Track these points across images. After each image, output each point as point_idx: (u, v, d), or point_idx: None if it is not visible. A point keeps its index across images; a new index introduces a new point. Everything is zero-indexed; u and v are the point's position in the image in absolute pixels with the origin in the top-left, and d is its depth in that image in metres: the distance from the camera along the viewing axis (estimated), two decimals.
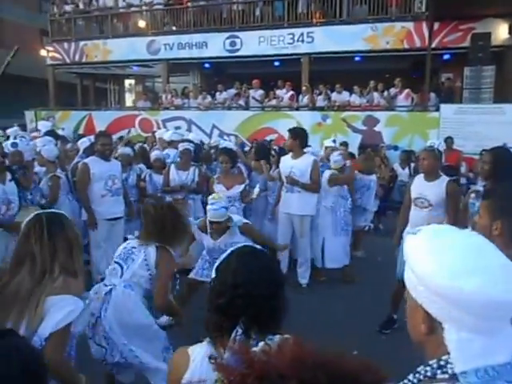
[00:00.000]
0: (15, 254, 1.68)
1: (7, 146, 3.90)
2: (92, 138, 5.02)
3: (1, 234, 3.16)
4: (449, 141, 8.06)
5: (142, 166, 5.48)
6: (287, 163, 4.37)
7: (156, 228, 2.31)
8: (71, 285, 1.63)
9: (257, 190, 4.50)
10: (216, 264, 1.24)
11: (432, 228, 0.82)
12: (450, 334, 0.74)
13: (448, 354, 0.74)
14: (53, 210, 1.91)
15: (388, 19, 10.26)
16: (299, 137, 4.32)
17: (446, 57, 10.45)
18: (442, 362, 0.75)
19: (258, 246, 1.33)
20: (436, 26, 9.75)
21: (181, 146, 4.97)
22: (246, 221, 3.55)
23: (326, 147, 5.42)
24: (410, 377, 0.79)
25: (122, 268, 2.31)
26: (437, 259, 0.74)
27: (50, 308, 1.53)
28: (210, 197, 3.38)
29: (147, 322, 2.29)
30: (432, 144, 6.03)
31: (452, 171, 4.45)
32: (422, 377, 0.77)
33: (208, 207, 3.21)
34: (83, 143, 5.22)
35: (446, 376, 0.74)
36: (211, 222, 3.20)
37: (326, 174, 4.66)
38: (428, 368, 0.77)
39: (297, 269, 4.53)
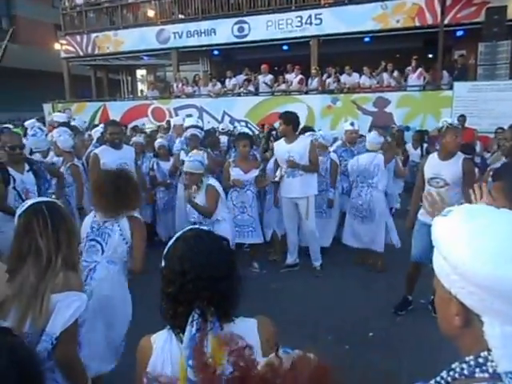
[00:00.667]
0: (16, 248, 1.58)
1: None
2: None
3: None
4: (461, 119, 7.92)
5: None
6: (283, 148, 4.36)
7: (115, 197, 2.29)
8: (71, 280, 1.60)
9: (278, 172, 4.51)
10: (164, 252, 1.23)
11: (465, 208, 0.73)
12: (491, 329, 0.65)
13: (487, 349, 0.66)
14: (49, 199, 1.78)
15: None
16: (292, 122, 4.32)
17: (459, 33, 10.13)
18: (480, 360, 0.67)
19: (205, 228, 1.30)
20: (448, 1, 9.45)
21: (188, 132, 5.05)
22: (213, 184, 3.75)
23: (346, 131, 5.21)
24: (444, 374, 0.71)
25: (101, 245, 2.33)
26: (475, 244, 0.65)
27: (55, 305, 1.50)
28: (190, 153, 3.86)
29: (122, 307, 2.31)
30: (444, 122, 5.91)
31: (468, 149, 4.32)
32: (457, 375, 0.69)
33: (185, 159, 3.75)
34: (96, 132, 5.37)
35: (486, 375, 0.65)
36: (186, 173, 3.66)
37: (380, 156, 4.45)
38: (464, 365, 0.68)
39: (309, 252, 4.53)
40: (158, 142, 5.62)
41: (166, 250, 1.22)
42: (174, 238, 1.23)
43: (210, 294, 1.11)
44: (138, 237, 2.34)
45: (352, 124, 5.26)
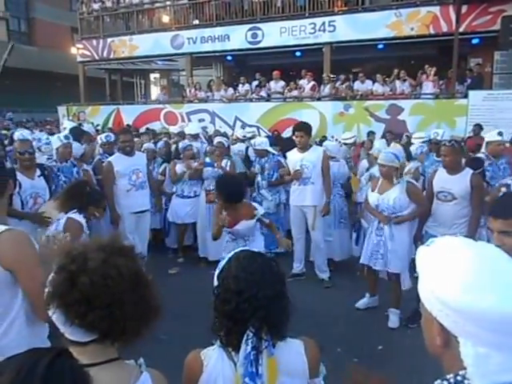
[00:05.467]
0: None
1: (60, 138, 4.19)
2: (103, 137, 5.24)
3: (28, 227, 3.23)
4: (476, 128, 7.83)
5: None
6: (296, 157, 4.41)
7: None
8: None
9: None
10: (216, 272, 1.26)
11: (445, 240, 0.81)
12: (465, 349, 0.71)
13: (465, 368, 0.71)
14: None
15: (413, 4, 9.96)
16: (310, 132, 4.46)
17: (474, 41, 10.02)
18: (459, 378, 0.72)
19: (255, 249, 1.34)
20: (464, 9, 9.37)
21: (215, 140, 5.19)
22: (413, 182, 3.62)
23: (491, 142, 4.71)
24: None
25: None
26: (450, 273, 0.72)
27: None
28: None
29: None
30: (435, 135, 5.84)
31: (478, 163, 4.25)
32: None
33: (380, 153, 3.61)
34: (100, 140, 5.31)
35: None
36: (380, 165, 3.46)
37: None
38: (445, 382, 0.74)
39: (315, 265, 4.53)
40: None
41: (218, 269, 1.26)
42: (227, 259, 1.26)
43: (265, 313, 1.15)
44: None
45: (500, 134, 4.65)
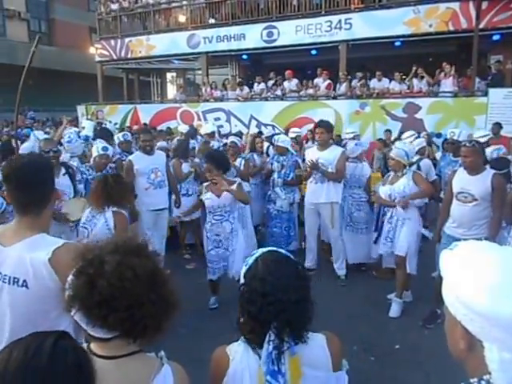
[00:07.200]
0: None
1: (98, 149, 4.36)
2: (121, 136, 5.32)
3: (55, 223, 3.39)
4: (495, 127, 7.65)
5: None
6: (314, 155, 4.43)
7: (104, 195, 2.77)
8: None
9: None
10: (243, 270, 1.27)
11: (470, 244, 0.80)
12: (491, 354, 0.71)
13: (489, 373, 0.71)
14: None
15: (431, 0, 9.78)
16: (332, 130, 4.46)
17: (495, 38, 9.80)
18: (483, 382, 0.72)
19: (283, 251, 1.33)
20: (484, 5, 9.18)
21: (228, 140, 5.29)
22: (418, 171, 4.08)
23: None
24: None
25: (87, 230, 2.82)
26: (475, 278, 0.72)
27: None
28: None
29: None
30: (452, 134, 5.76)
31: (504, 164, 4.13)
32: None
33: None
34: (118, 139, 5.42)
35: None
36: (391, 158, 3.94)
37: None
38: None
39: (333, 263, 4.56)
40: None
41: (245, 268, 1.28)
42: (254, 259, 1.27)
43: (288, 316, 1.17)
44: (119, 229, 2.72)
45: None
